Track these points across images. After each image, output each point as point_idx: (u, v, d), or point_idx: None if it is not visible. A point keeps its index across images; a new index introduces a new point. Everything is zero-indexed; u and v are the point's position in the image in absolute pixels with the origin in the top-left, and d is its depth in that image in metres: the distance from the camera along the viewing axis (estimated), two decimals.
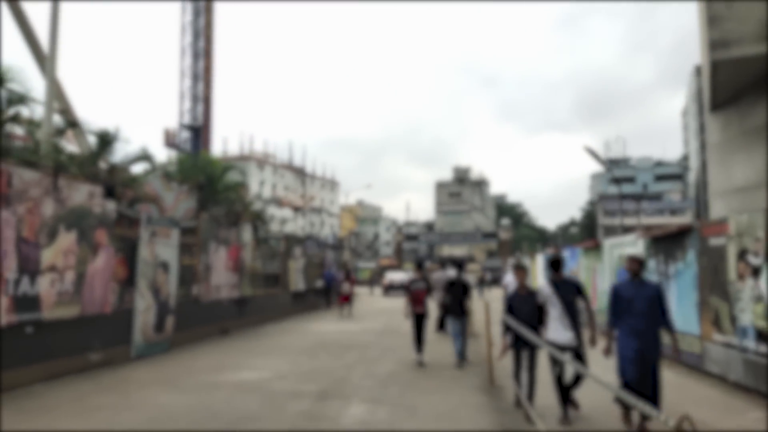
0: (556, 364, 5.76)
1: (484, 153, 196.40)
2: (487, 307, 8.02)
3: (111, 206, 9.22)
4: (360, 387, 7.68)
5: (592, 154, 26.22)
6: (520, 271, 6.66)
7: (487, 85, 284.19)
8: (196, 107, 41.88)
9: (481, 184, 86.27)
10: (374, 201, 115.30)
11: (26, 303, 7.23)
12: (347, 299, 19.55)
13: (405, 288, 10.55)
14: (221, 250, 13.83)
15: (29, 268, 7.31)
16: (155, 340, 10.51)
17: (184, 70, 42.04)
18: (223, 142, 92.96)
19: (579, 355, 5.89)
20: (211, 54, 42.37)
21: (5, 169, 6.92)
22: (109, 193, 8.77)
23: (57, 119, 13.84)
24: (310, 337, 13.26)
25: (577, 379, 5.91)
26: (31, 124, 11.07)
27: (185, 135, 42.11)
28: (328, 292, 23.47)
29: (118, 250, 9.75)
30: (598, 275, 14.36)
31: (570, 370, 5.65)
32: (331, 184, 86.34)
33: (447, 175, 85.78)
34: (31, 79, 10.17)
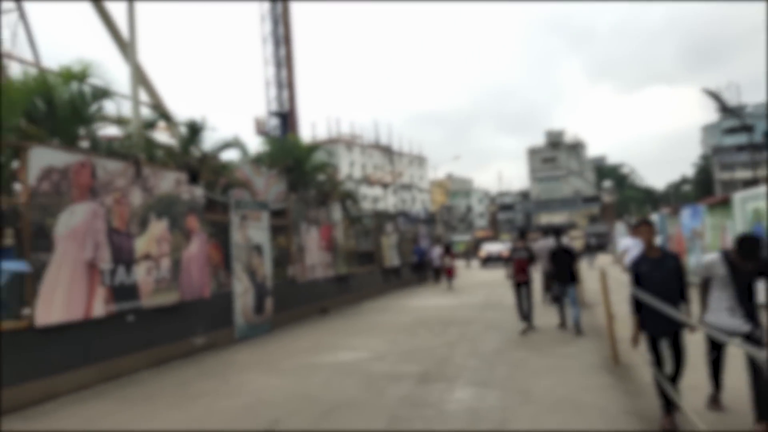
0: (715, 348, 4.70)
1: (578, 115, 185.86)
2: (604, 274, 7.03)
3: (199, 192, 9.18)
4: (464, 367, 7.04)
5: (713, 96, 23.32)
6: (645, 227, 4.98)
7: (579, 42, 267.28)
8: (281, 94, 42.71)
9: (576, 147, 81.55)
10: (464, 173, 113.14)
11: (124, 292, 7.30)
12: (450, 273, 19.64)
13: (507, 258, 10.25)
14: (313, 230, 13.68)
15: (123, 257, 7.36)
16: (256, 321, 10.52)
17: (267, 57, 42.93)
18: (312, 126, 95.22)
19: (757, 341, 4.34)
20: (290, 40, 42.86)
21: (88, 161, 6.93)
22: (193, 179, 8.70)
23: (147, 113, 14.26)
24: (408, 314, 12.82)
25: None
26: (121, 122, 11.37)
27: (274, 122, 43.13)
28: (421, 267, 22.93)
29: (210, 236, 9.76)
30: (729, 234, 12.58)
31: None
32: (419, 160, 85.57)
33: (539, 141, 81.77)
34: (117, 82, 10.33)
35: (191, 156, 13.93)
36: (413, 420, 4.99)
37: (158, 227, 8.11)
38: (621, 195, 73.31)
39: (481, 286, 20.53)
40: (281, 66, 43.34)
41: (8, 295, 5.96)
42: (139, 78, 18.13)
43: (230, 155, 19.41)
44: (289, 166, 20.21)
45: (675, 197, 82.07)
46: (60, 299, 6.29)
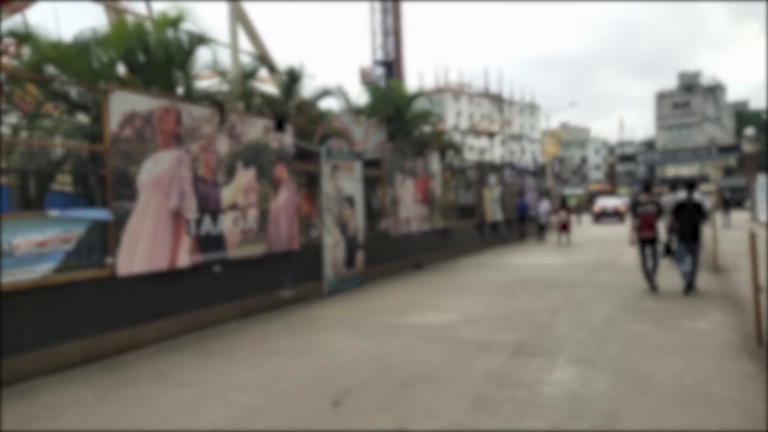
0: None
1: (719, 57, 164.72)
2: (754, 236, 5.67)
3: (288, 140, 8.84)
4: (568, 340, 6.15)
5: None
6: None
7: None
8: (387, 42, 41.74)
9: (714, 90, 72.42)
10: (581, 122, 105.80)
11: (210, 242, 7.20)
12: (565, 228, 19.02)
13: (632, 211, 9.48)
14: (408, 182, 13.05)
15: (210, 207, 7.21)
16: (347, 275, 10.25)
17: (373, 5, 41.90)
18: (419, 76, 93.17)
19: None
20: None
21: (172, 106, 6.73)
22: (279, 126, 8.32)
23: (249, 61, 14.16)
24: (507, 273, 11.92)
25: None
26: (218, 70, 11.27)
27: (379, 72, 42.45)
28: (522, 222, 21.28)
29: (300, 186, 9.48)
30: None
31: None
32: (531, 109, 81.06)
33: (671, 85, 73.30)
34: (218, 30, 10.20)
35: (289, 105, 13.74)
36: (500, 404, 4.29)
37: (245, 176, 7.89)
38: (765, 144, 64.22)
39: (593, 243, 18.89)
40: (387, 13, 42.19)
41: (91, 244, 5.98)
42: (245, 27, 18.19)
43: (331, 104, 19.13)
44: (390, 115, 19.55)
45: None
46: (143, 249, 6.26)
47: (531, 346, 5.94)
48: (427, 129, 20.95)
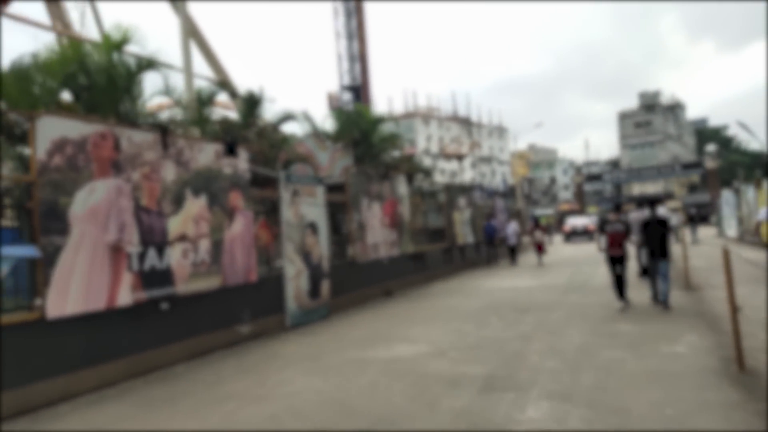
0: None
1: (677, 76, 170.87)
2: (727, 253, 5.42)
3: (243, 166, 8.39)
4: (540, 370, 5.77)
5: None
6: None
7: None
8: (353, 67, 41.91)
9: (674, 109, 74.71)
10: (548, 143, 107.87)
11: (156, 278, 6.65)
12: (540, 248, 19.06)
13: (600, 230, 9.94)
14: (375, 206, 12.68)
15: (155, 239, 6.69)
16: (311, 306, 9.73)
17: (338, 30, 42.17)
18: (388, 101, 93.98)
19: None
20: (362, 10, 41.76)
21: (109, 132, 6.24)
22: (230, 150, 7.87)
23: (207, 86, 13.73)
24: (479, 298, 11.56)
25: None
26: (170, 95, 10.81)
27: (347, 97, 42.50)
28: (492, 245, 20.23)
29: (258, 214, 9.02)
30: None
31: None
32: (499, 131, 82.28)
33: (632, 105, 75.26)
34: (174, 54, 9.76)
35: (248, 130, 13.31)
36: None
37: (196, 205, 7.40)
38: (725, 160, 66.25)
39: (565, 263, 18.75)
40: (353, 38, 42.45)
41: (17, 285, 5.40)
42: (202, 50, 17.80)
43: (297, 129, 18.75)
44: (356, 139, 19.28)
45: None
46: (77, 288, 5.69)
47: (502, 379, 5.53)
48: (395, 153, 20.75)
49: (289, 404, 5.13)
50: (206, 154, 7.68)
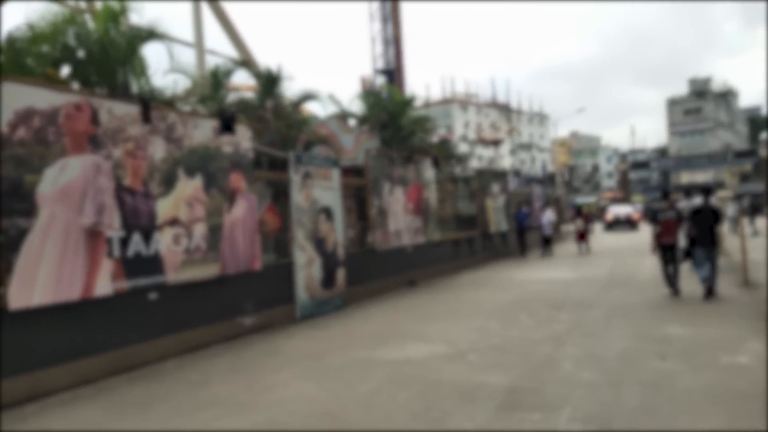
0: None
1: (731, 63, 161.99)
2: None
3: (246, 144, 7.67)
4: (574, 382, 4.85)
5: None
6: None
7: None
8: (387, 50, 40.83)
9: (726, 96, 70.60)
10: (592, 131, 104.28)
11: (141, 265, 6.01)
12: (583, 237, 18.37)
13: (652, 219, 9.67)
14: (398, 191, 11.81)
15: (140, 223, 6.04)
16: (324, 296, 9.01)
17: (372, 12, 41.12)
18: (426, 87, 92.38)
19: None
20: None
21: (86, 103, 5.58)
22: (227, 127, 7.12)
23: (224, 63, 13.06)
24: (509, 291, 10.61)
25: None
26: (179, 71, 10.18)
27: (380, 81, 41.45)
28: (522, 235, 18.56)
29: (263, 197, 8.32)
30: None
31: None
32: (540, 118, 79.75)
33: (682, 92, 71.35)
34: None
35: (265, 110, 12.63)
36: None
37: (189, 186, 6.72)
38: None
39: (606, 254, 17.49)
40: (387, 20, 41.31)
41: None
42: (225, 27, 17.17)
43: (321, 111, 18.00)
44: (383, 121, 18.43)
45: None
46: (46, 276, 5.08)
47: (527, 393, 4.65)
48: (425, 137, 19.76)
49: (273, 416, 4.39)
50: (202, 131, 6.98)
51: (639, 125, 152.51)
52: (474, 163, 39.94)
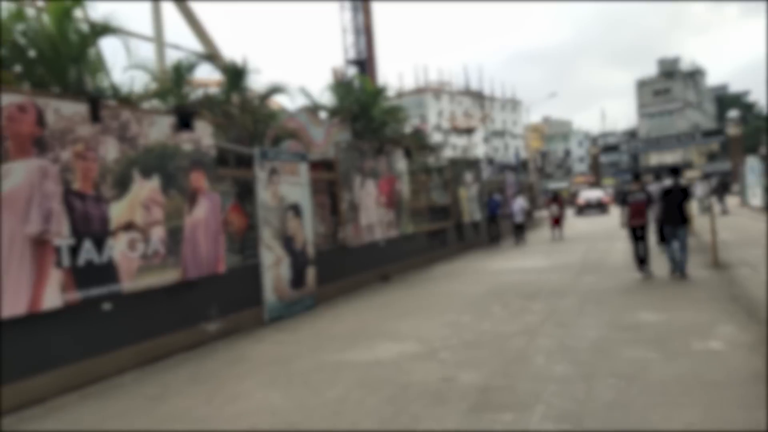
0: None
1: (699, 40, 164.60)
2: None
3: (207, 141, 7.35)
4: (547, 377, 4.74)
5: None
6: None
7: None
8: (358, 41, 40.38)
9: (694, 75, 71.95)
10: (564, 115, 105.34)
11: (94, 274, 5.69)
12: (557, 222, 18.40)
13: (621, 201, 10.03)
14: (369, 184, 11.60)
15: (91, 229, 5.71)
16: (294, 297, 8.78)
17: (342, 2, 40.54)
18: (399, 77, 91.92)
19: None
20: None
21: (30, 103, 5.22)
22: (185, 123, 6.80)
23: (187, 58, 12.60)
24: (483, 281, 10.52)
25: None
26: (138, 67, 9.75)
27: (352, 71, 40.99)
28: (495, 222, 18.42)
29: (228, 196, 8.03)
30: None
31: None
32: (513, 104, 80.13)
33: (652, 73, 72.29)
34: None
35: (230, 105, 12.24)
36: None
37: (146, 187, 6.40)
38: (748, 127, 63.66)
39: (579, 239, 17.58)
40: (357, 10, 40.81)
41: None
42: (188, 21, 16.60)
43: (290, 104, 17.59)
44: (354, 112, 18.14)
45: None
46: None
47: (499, 392, 4.52)
48: (398, 127, 19.52)
49: (234, 430, 4.17)
50: (159, 129, 6.65)
51: (610, 108, 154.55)
52: (449, 152, 39.84)
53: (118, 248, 5.98)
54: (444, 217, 15.89)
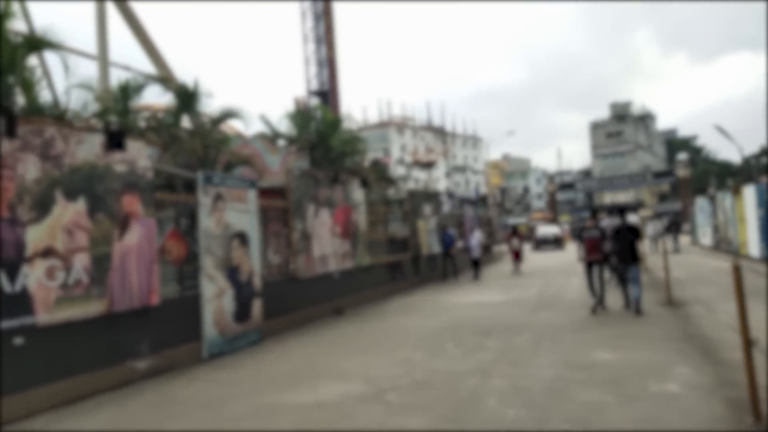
0: None
1: (650, 88, 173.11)
2: (738, 270, 4.13)
3: (144, 163, 6.87)
4: (498, 422, 4.39)
5: None
6: None
7: (654, 7, 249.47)
8: (321, 72, 40.53)
9: (645, 119, 75.18)
10: (523, 153, 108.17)
11: (4, 304, 5.08)
12: (517, 256, 18.55)
13: (578, 237, 10.36)
14: (323, 214, 11.22)
15: (4, 254, 5.14)
16: (238, 331, 8.22)
17: (306, 33, 40.80)
18: (363, 110, 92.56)
19: None
20: (331, 13, 40.55)
21: None
22: (116, 143, 6.32)
23: (135, 78, 12.10)
24: (439, 316, 10.18)
25: None
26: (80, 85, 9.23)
27: (315, 102, 41.00)
28: (449, 257, 17.75)
29: (164, 222, 7.52)
30: None
31: None
32: (474, 141, 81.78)
33: (605, 115, 75.31)
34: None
35: (179, 128, 11.76)
36: None
37: (69, 210, 5.86)
38: (696, 169, 66.70)
39: (535, 274, 17.55)
40: (321, 42, 41.09)
41: None
42: (138, 37, 16.11)
43: (243, 129, 17.16)
44: (313, 142, 17.87)
45: (757, 170, 74.15)
46: None
47: None
48: (359, 159, 19.31)
49: None
50: (88, 148, 6.15)
51: (566, 148, 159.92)
52: (411, 186, 39.99)
53: (33, 276, 5.40)
54: (402, 249, 15.60)
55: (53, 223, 5.65)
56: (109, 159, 6.37)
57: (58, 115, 7.98)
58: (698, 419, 4.20)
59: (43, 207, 5.58)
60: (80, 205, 5.96)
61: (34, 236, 5.45)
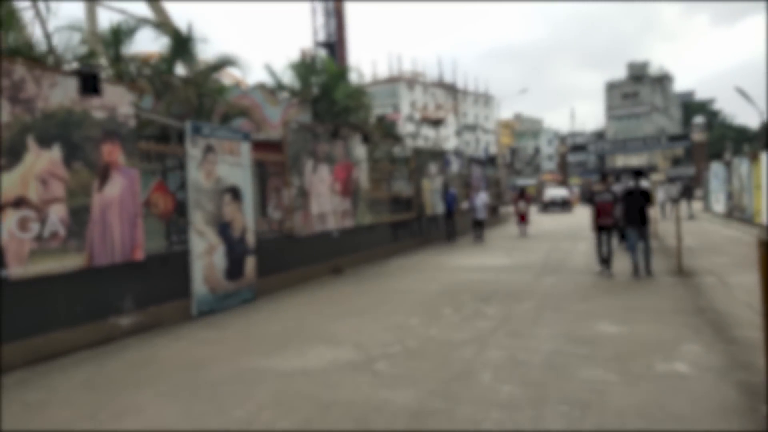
0: None
1: (669, 48, 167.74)
2: (764, 245, 3.71)
3: (126, 110, 6.42)
4: (491, 401, 4.09)
5: None
6: None
7: None
8: (328, 22, 39.18)
9: (662, 80, 72.95)
10: (535, 113, 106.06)
11: None
12: (524, 219, 18.18)
13: (589, 201, 10.48)
14: (322, 170, 10.79)
15: None
16: (229, 289, 7.96)
17: None
18: (372, 64, 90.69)
19: None
20: None
21: None
22: (91, 87, 5.85)
23: (127, 21, 11.48)
24: (439, 279, 9.88)
25: None
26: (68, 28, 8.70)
27: (321, 53, 39.82)
28: (451, 218, 17.15)
29: (150, 173, 7.14)
30: None
31: None
32: (485, 99, 79.96)
33: (622, 76, 73.02)
34: None
35: (173, 76, 11.23)
36: None
37: (43, 159, 5.48)
38: (712, 134, 65.02)
39: (542, 237, 17.17)
40: None
41: None
42: None
43: (242, 77, 16.53)
44: (316, 94, 17.25)
45: None
46: None
47: (434, 417, 3.84)
48: (364, 113, 18.71)
49: None
50: (63, 92, 5.71)
51: (580, 109, 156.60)
52: (420, 144, 39.25)
53: (5, 228, 5.07)
54: (406, 209, 15.21)
55: (25, 172, 5.29)
56: (87, 105, 5.93)
57: (33, 57, 7.52)
58: (708, 406, 3.87)
59: (13, 154, 5.20)
60: (55, 153, 5.58)
61: (5, 185, 5.10)
